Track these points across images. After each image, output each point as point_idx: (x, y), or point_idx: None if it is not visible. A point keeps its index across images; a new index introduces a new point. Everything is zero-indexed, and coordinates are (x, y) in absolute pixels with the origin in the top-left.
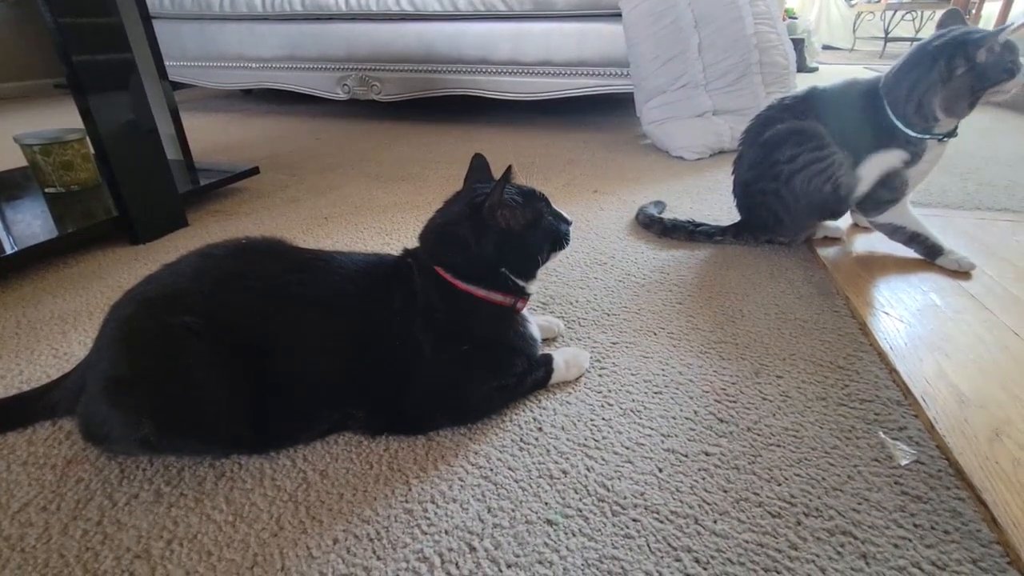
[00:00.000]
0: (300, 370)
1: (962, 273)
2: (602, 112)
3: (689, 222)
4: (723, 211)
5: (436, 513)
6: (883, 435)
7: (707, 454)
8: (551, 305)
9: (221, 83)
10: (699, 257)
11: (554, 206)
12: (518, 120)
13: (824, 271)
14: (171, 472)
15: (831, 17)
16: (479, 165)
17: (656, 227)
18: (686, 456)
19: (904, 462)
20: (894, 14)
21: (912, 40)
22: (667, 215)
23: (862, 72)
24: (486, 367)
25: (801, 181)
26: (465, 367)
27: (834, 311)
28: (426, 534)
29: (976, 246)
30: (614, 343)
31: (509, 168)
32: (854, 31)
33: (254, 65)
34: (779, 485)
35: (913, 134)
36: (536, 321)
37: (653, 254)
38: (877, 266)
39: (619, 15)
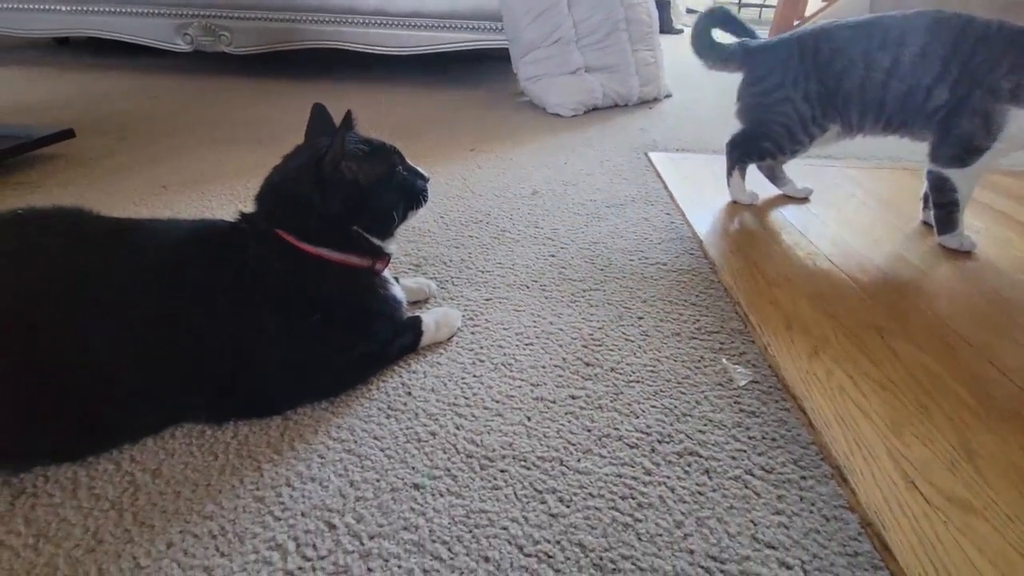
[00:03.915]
0: (108, 361)
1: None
2: (480, 69)
3: None
4: (597, 165)
5: (291, 496)
6: (725, 361)
7: (573, 398)
8: (424, 266)
9: (26, 29)
10: (571, 211)
11: (410, 162)
12: (392, 77)
13: (682, 216)
14: None
15: None
16: (320, 114)
17: None
18: (554, 402)
19: (742, 383)
20: None
21: (760, 6)
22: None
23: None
24: (345, 336)
25: (782, 122)
26: (321, 338)
27: (690, 253)
28: (279, 520)
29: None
30: (487, 300)
31: (348, 114)
32: None
33: (66, 8)
34: (637, 418)
35: None
36: (406, 284)
37: (528, 209)
38: (729, 212)
39: None
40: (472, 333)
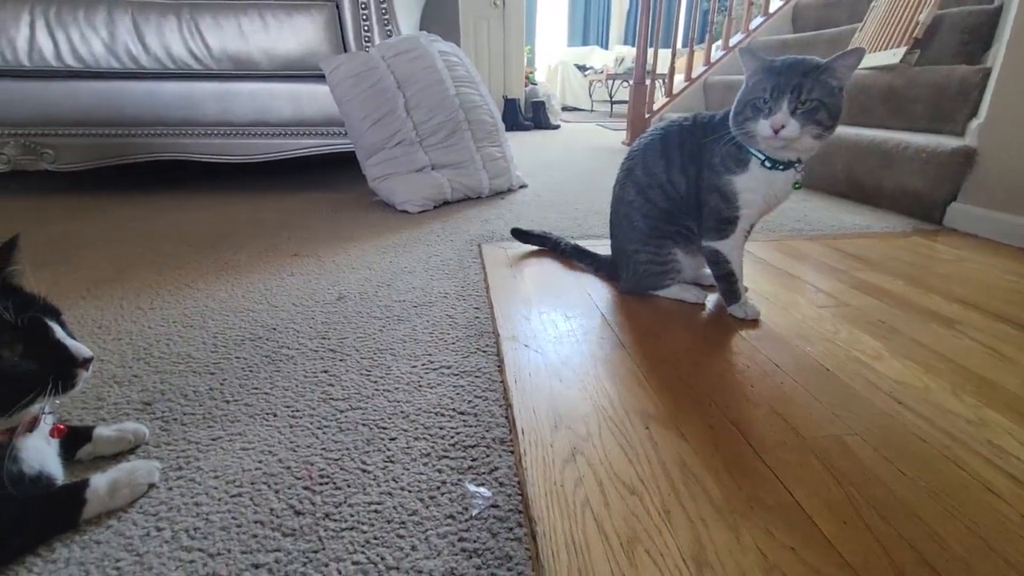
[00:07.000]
0: None
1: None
2: (340, 171)
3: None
4: (423, 261)
5: None
6: (468, 485)
7: (256, 567)
8: (157, 403)
9: None
10: (373, 315)
11: (62, 333)
12: (247, 183)
13: (490, 310)
14: None
15: (572, 85)
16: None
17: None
18: None
19: (475, 512)
20: (614, 82)
21: (620, 101)
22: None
23: (595, 128)
24: None
25: (643, 267)
26: None
27: (482, 352)
28: None
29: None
30: (214, 439)
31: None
32: (590, 95)
33: None
34: None
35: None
36: (103, 434)
37: (324, 318)
38: (538, 299)
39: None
40: (170, 489)
